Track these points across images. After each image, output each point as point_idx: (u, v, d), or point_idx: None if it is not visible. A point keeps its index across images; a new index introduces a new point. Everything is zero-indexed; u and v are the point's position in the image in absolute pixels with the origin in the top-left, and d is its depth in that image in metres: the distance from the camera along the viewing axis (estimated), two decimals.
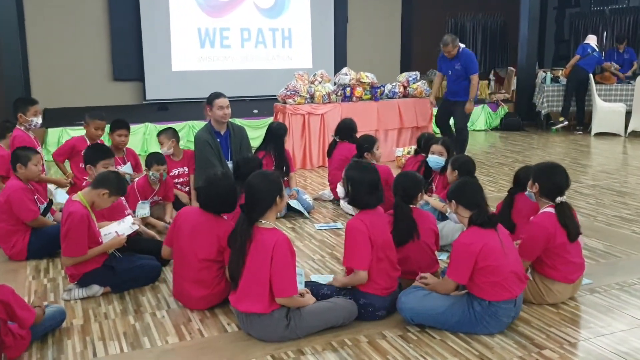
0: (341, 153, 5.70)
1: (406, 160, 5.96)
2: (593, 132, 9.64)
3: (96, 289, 3.63)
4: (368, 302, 3.24)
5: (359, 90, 7.70)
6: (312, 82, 7.79)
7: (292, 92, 7.45)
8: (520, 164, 7.36)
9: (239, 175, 4.26)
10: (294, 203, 5.24)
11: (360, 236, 3.15)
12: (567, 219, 3.40)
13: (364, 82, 7.71)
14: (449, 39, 7.10)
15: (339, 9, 12.38)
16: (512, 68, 12.73)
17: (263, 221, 3.05)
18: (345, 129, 5.92)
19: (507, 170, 6.99)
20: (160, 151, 5.29)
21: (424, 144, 5.29)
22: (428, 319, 3.16)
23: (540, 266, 3.43)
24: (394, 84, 8.02)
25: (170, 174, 5.24)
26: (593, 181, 6.54)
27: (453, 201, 3.29)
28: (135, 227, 3.90)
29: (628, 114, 9.53)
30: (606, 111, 9.61)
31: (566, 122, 9.90)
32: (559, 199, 3.44)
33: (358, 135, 5.68)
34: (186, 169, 5.44)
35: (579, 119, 10.00)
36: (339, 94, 7.66)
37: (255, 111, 9.54)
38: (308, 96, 7.50)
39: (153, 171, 4.89)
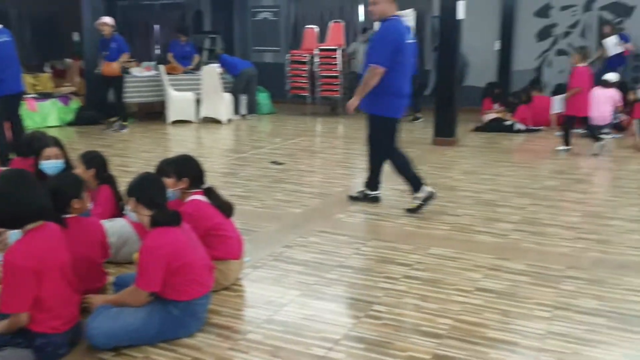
0: None
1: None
2: (170, 120, 10.10)
3: None
4: (46, 342, 2.67)
5: None
6: None
7: None
8: (119, 157, 7.18)
9: None
10: None
11: (20, 273, 2.55)
12: (217, 200, 3.56)
13: None
14: None
15: None
16: (71, 60, 12.17)
17: None
18: None
19: None
20: None
21: (28, 146, 4.51)
22: (125, 339, 2.80)
23: (209, 252, 3.46)
24: None
25: None
26: None
27: (132, 199, 2.98)
28: None
29: (198, 102, 10.34)
30: (179, 100, 10.19)
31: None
32: (204, 185, 3.57)
33: None
34: None
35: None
36: None
37: None
38: None
39: None
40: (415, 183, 5.00)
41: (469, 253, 4.05)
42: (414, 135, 9.31)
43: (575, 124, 8.03)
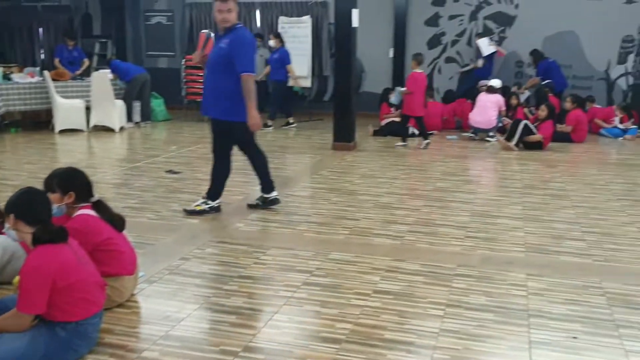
0: None
1: None
2: (57, 129, 9.55)
3: None
4: None
5: None
6: None
7: None
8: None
9: None
10: None
11: None
12: (107, 213, 3.40)
13: None
14: None
15: None
16: None
17: None
18: None
19: None
20: None
21: None
22: None
23: (101, 268, 3.28)
24: None
25: None
26: None
27: (11, 215, 2.77)
28: None
29: (88, 110, 9.85)
30: (67, 108, 9.65)
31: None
32: (93, 198, 3.40)
33: None
34: None
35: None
36: None
37: None
38: None
39: None
40: (269, 184, 5.26)
41: (368, 256, 4.13)
42: (314, 141, 9.41)
43: (409, 122, 9.12)
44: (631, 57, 11.37)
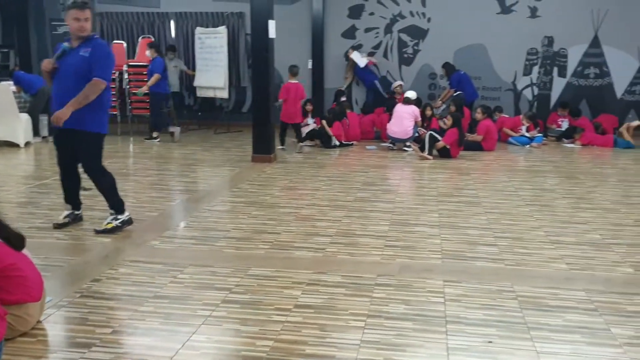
0: None
1: None
2: None
3: None
4: None
5: None
6: None
7: None
8: None
9: None
10: None
11: None
12: (4, 231, 3.16)
13: None
14: None
15: None
16: None
17: None
18: None
19: None
20: None
21: None
22: None
23: (1, 296, 3.05)
24: None
25: None
26: None
27: None
28: None
29: None
30: None
31: None
32: None
33: None
34: None
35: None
36: None
37: None
38: None
39: None
40: (120, 204, 4.97)
41: (289, 270, 4.09)
42: (233, 153, 9.29)
43: (287, 128, 9.72)
44: (535, 69, 12.03)
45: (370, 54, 12.13)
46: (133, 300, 3.58)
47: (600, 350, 3.01)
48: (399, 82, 11.69)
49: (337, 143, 9.87)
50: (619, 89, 11.87)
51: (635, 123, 10.61)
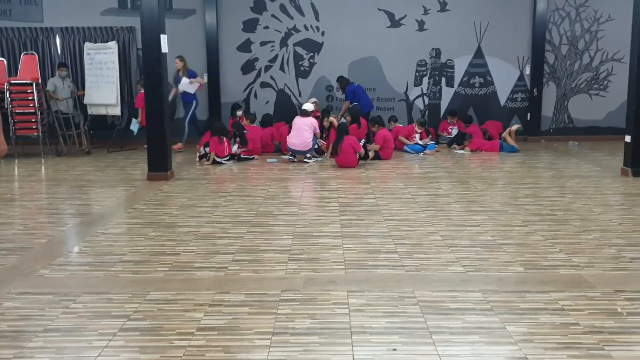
0: None
1: None
2: None
3: None
4: None
5: None
6: None
7: None
8: None
9: None
10: None
11: None
12: None
13: None
14: None
15: None
16: None
17: None
18: None
19: None
20: None
21: None
22: None
23: None
24: None
25: None
26: None
27: None
28: None
29: None
30: None
31: None
32: None
33: None
34: None
35: None
36: None
37: None
38: None
39: None
40: None
41: (190, 292, 3.95)
42: (127, 172, 8.94)
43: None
44: (425, 80, 12.57)
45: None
46: (20, 336, 3.31)
47: (497, 349, 3.15)
48: (313, 99, 11.67)
49: (215, 159, 9.58)
50: (502, 97, 12.66)
51: (515, 127, 11.42)
